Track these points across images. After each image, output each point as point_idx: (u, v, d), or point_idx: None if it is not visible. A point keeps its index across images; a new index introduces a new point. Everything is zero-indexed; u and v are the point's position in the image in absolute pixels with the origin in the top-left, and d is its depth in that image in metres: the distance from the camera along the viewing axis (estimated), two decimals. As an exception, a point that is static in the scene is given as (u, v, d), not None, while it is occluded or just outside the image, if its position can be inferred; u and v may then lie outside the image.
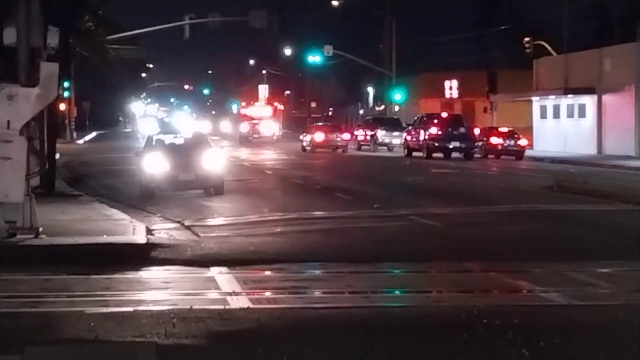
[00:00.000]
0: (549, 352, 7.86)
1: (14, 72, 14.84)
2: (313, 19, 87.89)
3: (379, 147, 55.21)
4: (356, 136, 56.60)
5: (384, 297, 11.01)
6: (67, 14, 15.99)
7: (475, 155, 45.05)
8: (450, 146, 44.73)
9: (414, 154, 46.59)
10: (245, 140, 63.40)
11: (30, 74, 14.66)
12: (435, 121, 46.36)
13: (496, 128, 49.49)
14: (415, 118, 50.34)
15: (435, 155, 44.82)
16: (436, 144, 44.91)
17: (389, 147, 54.89)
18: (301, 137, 55.12)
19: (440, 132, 44.88)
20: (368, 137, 56.44)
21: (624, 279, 11.95)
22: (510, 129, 48.37)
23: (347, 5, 70.25)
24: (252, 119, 67.10)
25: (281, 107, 77.40)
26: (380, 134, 55.63)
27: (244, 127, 66.14)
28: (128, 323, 9.08)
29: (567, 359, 7.66)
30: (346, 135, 54.02)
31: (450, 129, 45.12)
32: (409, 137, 48.07)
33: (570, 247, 14.89)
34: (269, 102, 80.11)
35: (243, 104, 76.96)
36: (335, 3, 69.55)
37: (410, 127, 49.05)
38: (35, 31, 14.85)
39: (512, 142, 46.85)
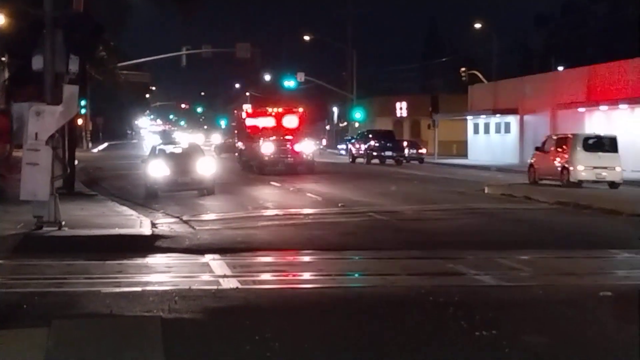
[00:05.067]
0: (483, 324, 7.92)
1: (41, 92, 14.71)
2: (288, 50, 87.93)
3: None
4: None
5: (348, 279, 11.03)
6: (85, 45, 15.83)
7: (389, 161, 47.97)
8: (385, 154, 47.99)
9: (357, 160, 49.39)
10: (265, 168, 34.06)
11: (54, 94, 14.55)
12: (373, 135, 49.93)
13: (403, 140, 53.51)
14: (358, 132, 54.67)
15: (373, 161, 47.58)
16: (374, 153, 48.11)
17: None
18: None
19: (377, 144, 48.19)
20: None
21: (541, 264, 12.02)
22: (414, 140, 52.02)
23: (317, 39, 70.46)
24: (276, 133, 36.53)
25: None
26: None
27: (267, 148, 34.39)
28: (137, 300, 9.01)
29: (497, 330, 7.71)
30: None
31: (384, 142, 48.45)
32: (353, 148, 50.97)
33: (497, 238, 14.94)
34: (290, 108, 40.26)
35: (249, 109, 41.25)
36: (306, 38, 69.78)
37: (354, 140, 52.37)
38: (59, 59, 14.73)
39: (415, 151, 50.37)
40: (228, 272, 11.13)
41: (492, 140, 53.35)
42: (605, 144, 28.53)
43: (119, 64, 56.55)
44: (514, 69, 64.77)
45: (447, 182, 30.74)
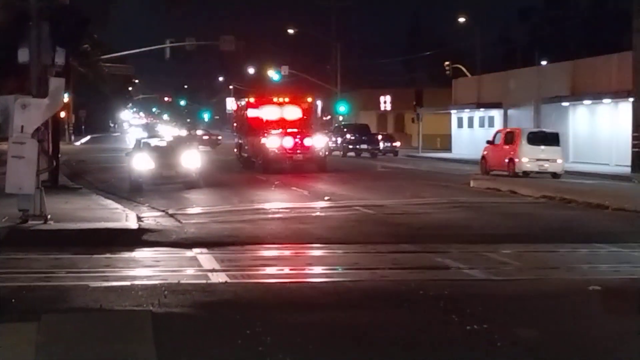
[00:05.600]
0: (473, 317, 7.95)
1: (25, 85, 14.61)
2: (272, 43, 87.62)
3: None
4: None
5: (337, 273, 11.00)
6: (71, 37, 15.73)
7: (365, 154, 49.12)
8: (360, 147, 49.48)
9: (333, 153, 49.41)
10: (270, 166, 30.44)
11: (40, 87, 14.43)
12: (348, 129, 51.72)
13: (378, 133, 54.75)
14: (335, 125, 56.71)
15: (349, 154, 48.88)
16: (350, 146, 49.73)
17: None
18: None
19: (352, 138, 49.87)
20: None
21: (529, 258, 12.07)
22: (388, 133, 53.22)
23: (301, 33, 70.28)
24: (282, 126, 31.93)
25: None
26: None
27: (273, 143, 30.58)
28: (127, 295, 8.97)
29: (487, 324, 7.74)
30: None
31: (359, 135, 50.05)
32: (330, 141, 51.59)
33: (485, 232, 14.93)
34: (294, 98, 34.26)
35: (251, 99, 34.27)
36: (290, 31, 69.66)
37: (330, 134, 53.07)
38: (45, 52, 14.63)
39: (389, 144, 51.74)
40: (216, 266, 11.10)
41: (476, 134, 53.46)
42: (548, 138, 30.85)
43: (103, 57, 56.22)
44: (498, 62, 64.96)
45: (431, 176, 30.78)
